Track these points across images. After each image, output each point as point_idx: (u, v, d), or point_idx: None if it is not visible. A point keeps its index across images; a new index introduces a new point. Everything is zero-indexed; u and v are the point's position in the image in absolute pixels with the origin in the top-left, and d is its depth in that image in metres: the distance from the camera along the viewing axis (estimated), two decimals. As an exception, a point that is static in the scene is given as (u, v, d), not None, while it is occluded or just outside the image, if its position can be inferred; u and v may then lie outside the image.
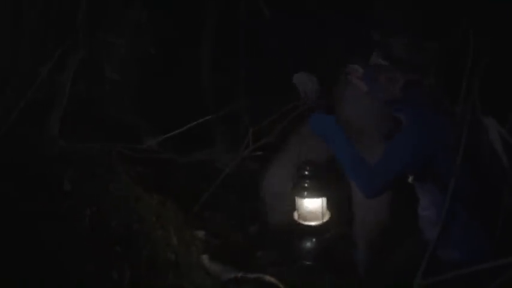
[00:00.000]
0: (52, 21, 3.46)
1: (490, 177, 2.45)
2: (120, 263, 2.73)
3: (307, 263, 3.21)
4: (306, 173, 3.08)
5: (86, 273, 2.53)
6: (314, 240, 3.20)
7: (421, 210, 2.66)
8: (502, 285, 1.69)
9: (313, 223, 3.17)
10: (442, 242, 2.31)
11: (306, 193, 3.11)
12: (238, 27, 3.68)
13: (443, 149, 2.40)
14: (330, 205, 3.25)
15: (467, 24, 2.31)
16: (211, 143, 3.53)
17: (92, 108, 4.01)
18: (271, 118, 3.37)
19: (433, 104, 2.54)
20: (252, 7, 3.41)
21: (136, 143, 3.46)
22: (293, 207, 3.23)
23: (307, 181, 3.10)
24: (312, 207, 3.17)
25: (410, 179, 2.59)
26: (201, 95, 4.20)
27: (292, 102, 3.30)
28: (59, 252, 2.53)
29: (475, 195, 2.47)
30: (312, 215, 3.18)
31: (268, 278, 3.24)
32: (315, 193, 3.12)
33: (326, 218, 3.21)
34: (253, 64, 4.20)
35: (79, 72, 3.66)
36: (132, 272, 2.73)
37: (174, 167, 3.71)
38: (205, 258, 3.32)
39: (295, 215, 3.20)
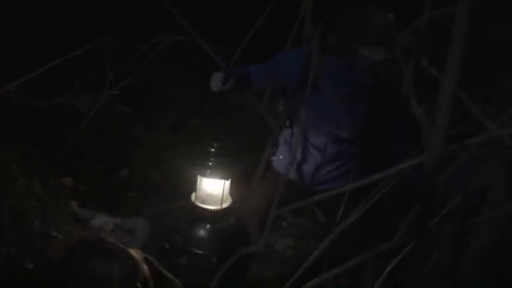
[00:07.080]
0: None
1: None
2: (-20, 216, 2.61)
3: (197, 251, 2.92)
4: (212, 149, 2.73)
5: None
6: (209, 227, 2.91)
7: None
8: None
9: (211, 207, 2.85)
10: None
11: (208, 172, 2.75)
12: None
13: None
14: (233, 189, 2.94)
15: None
16: (71, 85, 3.36)
17: None
18: (133, 58, 3.27)
19: None
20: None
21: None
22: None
23: (212, 159, 2.74)
24: (213, 189, 2.84)
25: None
26: (61, 36, 3.98)
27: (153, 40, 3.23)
28: None
29: None
30: (211, 199, 2.86)
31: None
32: (219, 174, 2.76)
33: (226, 204, 2.90)
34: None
35: None
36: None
37: (36, 113, 3.52)
38: (73, 205, 3.24)
39: (193, 196, 2.88)
